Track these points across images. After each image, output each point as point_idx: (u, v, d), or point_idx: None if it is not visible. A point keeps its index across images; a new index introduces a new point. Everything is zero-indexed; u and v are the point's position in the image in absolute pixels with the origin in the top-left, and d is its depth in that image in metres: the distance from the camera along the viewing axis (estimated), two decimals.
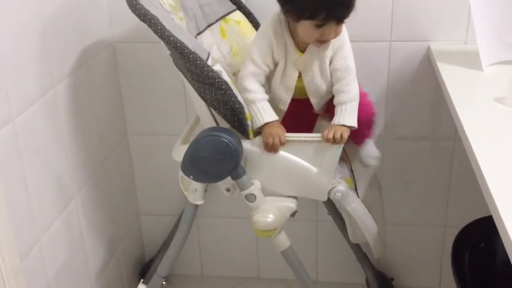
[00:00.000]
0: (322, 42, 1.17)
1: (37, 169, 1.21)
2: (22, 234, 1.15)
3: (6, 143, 1.10)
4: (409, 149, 1.63)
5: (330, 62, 1.22)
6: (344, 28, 1.20)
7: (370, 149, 1.33)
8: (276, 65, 1.23)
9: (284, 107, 1.26)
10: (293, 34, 1.20)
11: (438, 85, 1.34)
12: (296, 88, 1.25)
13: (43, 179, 1.24)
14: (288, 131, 1.20)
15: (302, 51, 1.22)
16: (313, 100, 1.26)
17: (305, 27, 1.15)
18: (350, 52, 1.22)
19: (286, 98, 1.25)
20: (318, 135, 1.19)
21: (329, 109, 1.29)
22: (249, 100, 1.20)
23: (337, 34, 1.16)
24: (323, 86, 1.24)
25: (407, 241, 1.75)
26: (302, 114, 1.29)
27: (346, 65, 1.21)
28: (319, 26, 1.13)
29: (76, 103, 1.38)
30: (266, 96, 1.22)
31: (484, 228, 1.31)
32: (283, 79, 1.23)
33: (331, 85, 1.24)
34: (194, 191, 1.26)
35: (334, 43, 1.20)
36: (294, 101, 1.27)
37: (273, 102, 1.25)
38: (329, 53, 1.21)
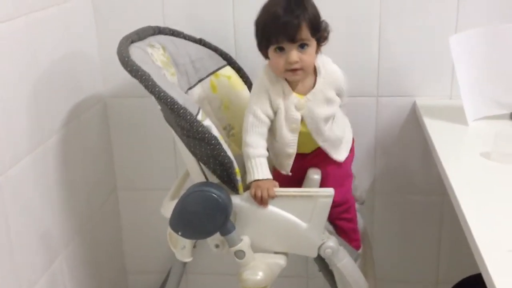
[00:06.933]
0: (290, 70, 1.17)
1: (22, 225, 1.19)
2: None
3: None
4: (398, 203, 1.63)
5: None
6: (333, 65, 1.23)
7: None
8: (275, 113, 1.23)
9: (293, 150, 1.25)
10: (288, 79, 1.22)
11: (426, 139, 1.36)
12: (300, 134, 1.24)
13: (28, 236, 1.22)
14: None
15: (303, 94, 1.22)
16: (320, 142, 1.25)
17: (272, 58, 1.19)
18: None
19: (292, 140, 1.24)
20: (308, 190, 1.19)
21: (318, 161, 1.29)
22: (246, 155, 1.21)
23: (303, 60, 1.16)
24: (322, 125, 1.23)
25: None
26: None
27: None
28: (280, 50, 1.16)
29: (66, 157, 1.38)
30: (264, 152, 1.22)
31: (475, 285, 1.30)
32: (287, 123, 1.23)
33: (328, 126, 1.25)
34: (182, 248, 1.24)
35: (335, 81, 1.23)
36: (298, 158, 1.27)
37: (282, 147, 1.25)
38: (331, 93, 1.23)
